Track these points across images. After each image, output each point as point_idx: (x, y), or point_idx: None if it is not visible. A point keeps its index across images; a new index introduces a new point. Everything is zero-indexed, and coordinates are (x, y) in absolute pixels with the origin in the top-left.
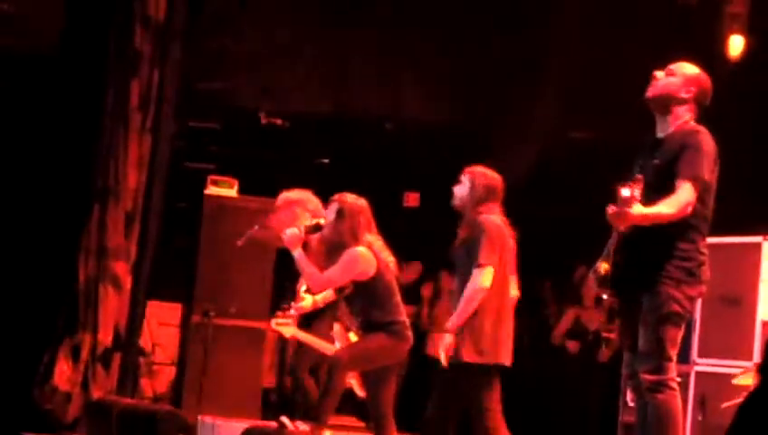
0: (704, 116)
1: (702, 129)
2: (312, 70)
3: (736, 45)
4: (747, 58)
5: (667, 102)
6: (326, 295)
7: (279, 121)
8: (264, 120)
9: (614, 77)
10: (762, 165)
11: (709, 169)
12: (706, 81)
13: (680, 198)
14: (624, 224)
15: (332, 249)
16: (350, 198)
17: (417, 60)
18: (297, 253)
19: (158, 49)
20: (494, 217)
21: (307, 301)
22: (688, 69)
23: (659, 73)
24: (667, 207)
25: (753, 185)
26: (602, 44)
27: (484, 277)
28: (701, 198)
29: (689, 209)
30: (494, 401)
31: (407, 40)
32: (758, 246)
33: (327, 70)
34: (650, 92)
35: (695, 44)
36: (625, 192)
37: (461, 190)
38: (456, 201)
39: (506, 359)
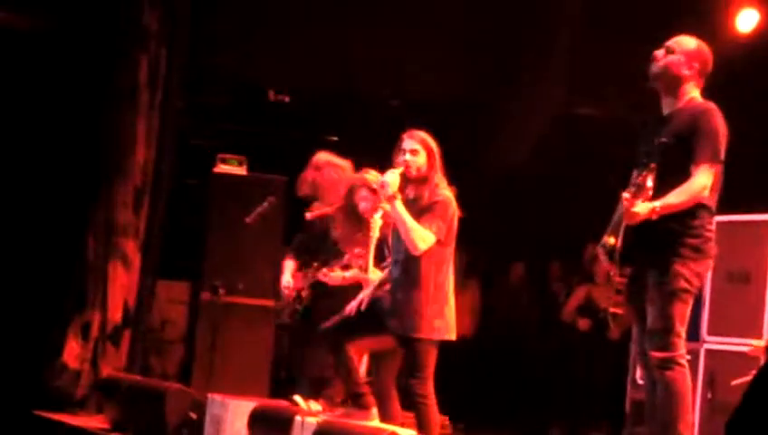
0: (713, 92)
1: (712, 106)
2: (319, 47)
3: (747, 20)
4: (759, 33)
5: (671, 81)
6: (357, 274)
7: (287, 99)
8: (271, 98)
9: (621, 53)
10: None
11: (723, 149)
12: (707, 52)
13: (696, 184)
14: (634, 221)
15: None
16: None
17: (423, 36)
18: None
19: (165, 26)
20: (449, 194)
21: (337, 275)
22: (687, 43)
23: (659, 52)
24: (679, 197)
25: (762, 162)
26: (609, 20)
27: (422, 243)
28: (716, 175)
29: (706, 193)
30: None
31: (412, 16)
32: (767, 224)
33: (333, 47)
34: (653, 73)
35: (703, 19)
36: (626, 195)
37: (419, 160)
38: (413, 171)
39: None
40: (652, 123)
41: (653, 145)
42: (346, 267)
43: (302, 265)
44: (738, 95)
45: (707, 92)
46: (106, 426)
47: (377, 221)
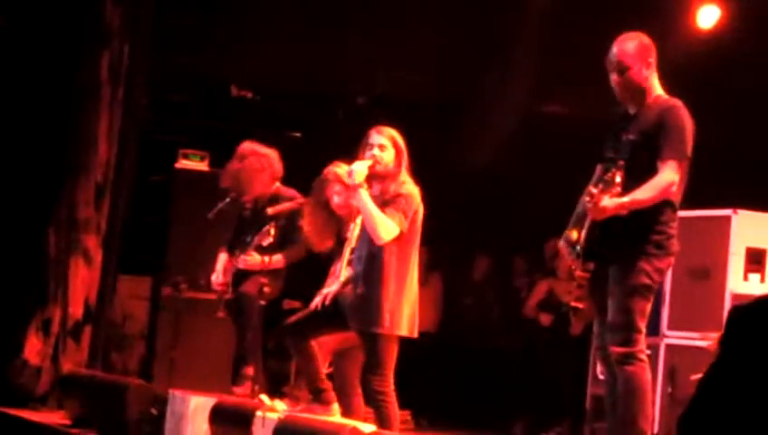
0: (672, 88)
1: (678, 102)
2: (284, 43)
3: (708, 16)
4: (719, 29)
5: (637, 93)
6: (278, 260)
7: (250, 94)
8: (234, 93)
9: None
10: (732, 137)
11: (690, 146)
12: (644, 38)
13: (663, 180)
14: (602, 217)
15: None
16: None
17: (390, 34)
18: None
19: (128, 22)
20: (413, 189)
21: (253, 258)
22: (629, 47)
23: (614, 78)
24: (647, 193)
25: (723, 157)
26: (574, 18)
27: (385, 233)
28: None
29: (673, 189)
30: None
31: (379, 12)
32: (728, 219)
33: (299, 43)
34: (621, 97)
35: (665, 16)
36: (593, 191)
37: (387, 155)
38: (381, 166)
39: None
40: (619, 120)
41: (620, 142)
42: (259, 248)
43: (232, 256)
44: (698, 90)
45: (667, 88)
46: (67, 422)
47: (358, 225)
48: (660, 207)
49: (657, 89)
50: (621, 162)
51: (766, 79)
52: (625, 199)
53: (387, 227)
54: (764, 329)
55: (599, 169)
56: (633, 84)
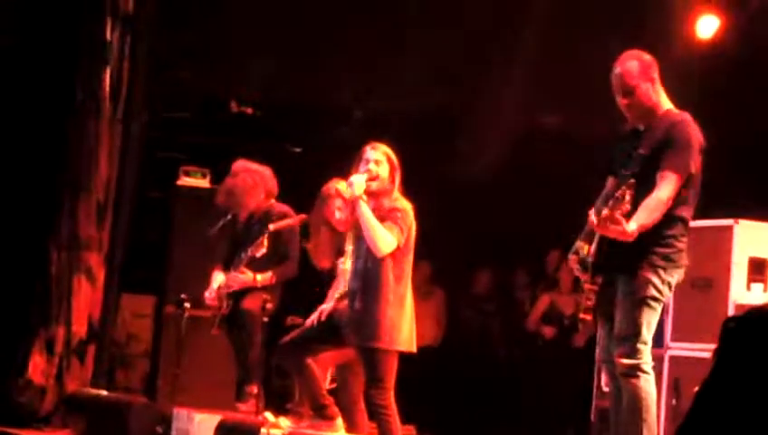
0: (679, 100)
1: (686, 117)
2: (283, 58)
3: (708, 26)
4: (720, 38)
5: (648, 111)
6: (266, 278)
7: (250, 110)
8: (234, 109)
9: (584, 62)
10: (734, 148)
11: (695, 161)
12: (647, 58)
13: (661, 196)
14: (608, 235)
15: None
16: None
17: (387, 47)
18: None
19: (127, 39)
20: (407, 205)
21: (246, 276)
22: (631, 67)
23: (622, 102)
24: (652, 215)
25: (725, 168)
26: (572, 28)
27: (385, 245)
28: (686, 188)
29: (670, 202)
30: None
31: (376, 27)
32: (730, 229)
33: (297, 58)
34: (633, 119)
35: (664, 26)
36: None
37: (383, 171)
38: (378, 182)
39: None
40: (628, 135)
41: (631, 157)
42: (252, 260)
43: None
44: (697, 99)
45: (669, 98)
46: None
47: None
48: (670, 221)
49: (665, 104)
50: (632, 181)
51: (765, 87)
52: (633, 228)
53: (386, 240)
54: (758, 339)
55: (610, 181)
56: (640, 104)
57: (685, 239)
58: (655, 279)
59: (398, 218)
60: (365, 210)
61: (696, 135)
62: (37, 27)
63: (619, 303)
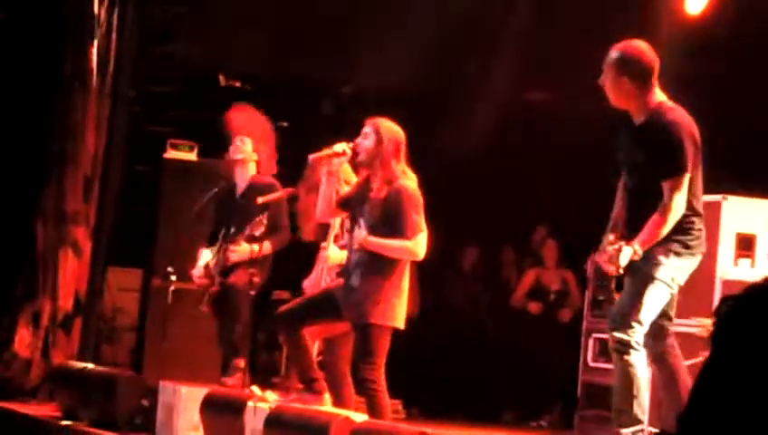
0: (665, 77)
1: (677, 115)
2: (271, 32)
3: (697, 2)
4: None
5: (642, 105)
6: (267, 248)
7: (238, 84)
8: (222, 83)
9: (573, 39)
10: (721, 124)
11: (693, 154)
12: (643, 52)
13: (672, 204)
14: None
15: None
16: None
17: (374, 23)
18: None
19: (115, 12)
20: (411, 184)
21: (243, 248)
22: (620, 55)
23: (606, 83)
24: (664, 227)
25: (712, 144)
26: (559, 5)
27: (421, 247)
28: (693, 180)
29: (684, 205)
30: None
31: (363, 3)
32: (717, 205)
33: (285, 33)
34: (615, 102)
35: (652, 2)
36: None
37: (367, 143)
38: (362, 156)
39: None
40: (627, 132)
41: (630, 157)
42: (251, 238)
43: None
44: (686, 77)
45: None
46: (58, 414)
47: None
48: (687, 209)
49: (658, 95)
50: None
51: (755, 65)
52: (637, 248)
53: (413, 250)
54: (755, 320)
55: (622, 184)
56: (627, 101)
57: (702, 227)
58: (666, 261)
59: (410, 209)
60: (377, 244)
61: (686, 127)
62: (24, 1)
63: (628, 279)
